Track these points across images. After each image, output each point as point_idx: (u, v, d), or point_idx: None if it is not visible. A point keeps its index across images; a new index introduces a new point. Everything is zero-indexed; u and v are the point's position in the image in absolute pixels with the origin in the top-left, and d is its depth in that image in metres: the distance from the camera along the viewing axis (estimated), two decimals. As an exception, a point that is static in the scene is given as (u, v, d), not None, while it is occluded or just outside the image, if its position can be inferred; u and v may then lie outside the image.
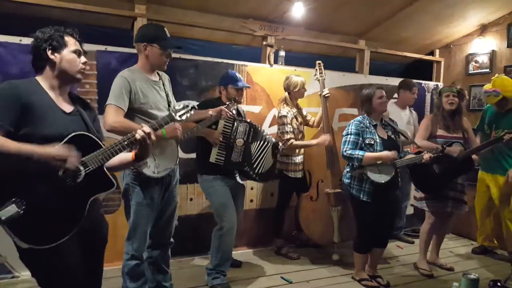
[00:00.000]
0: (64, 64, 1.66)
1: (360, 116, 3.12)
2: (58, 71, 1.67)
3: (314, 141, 3.59)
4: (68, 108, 1.70)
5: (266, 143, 3.15)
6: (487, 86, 3.71)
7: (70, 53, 1.68)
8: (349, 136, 3.00)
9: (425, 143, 3.37)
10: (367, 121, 3.03)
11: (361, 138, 2.98)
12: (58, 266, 1.60)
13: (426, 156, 3.00)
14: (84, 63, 1.73)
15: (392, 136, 3.09)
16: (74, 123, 1.66)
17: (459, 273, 3.35)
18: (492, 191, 3.76)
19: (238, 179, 3.21)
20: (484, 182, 3.85)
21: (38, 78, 1.68)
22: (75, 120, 1.68)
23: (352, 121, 3.09)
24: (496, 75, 3.73)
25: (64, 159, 1.49)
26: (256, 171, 3.09)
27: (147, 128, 1.71)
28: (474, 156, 3.45)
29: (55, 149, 1.49)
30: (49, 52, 1.64)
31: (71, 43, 1.69)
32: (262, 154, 3.12)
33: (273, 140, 3.26)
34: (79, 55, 1.71)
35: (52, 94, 1.66)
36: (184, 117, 1.99)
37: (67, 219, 1.57)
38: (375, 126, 3.03)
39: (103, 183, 1.68)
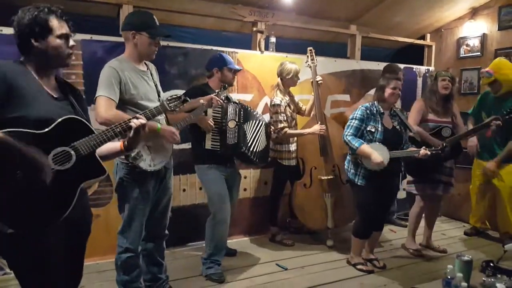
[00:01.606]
0: (50, 51, 1.57)
1: (370, 102, 3.13)
2: (44, 57, 1.58)
3: (307, 130, 3.58)
4: (55, 93, 1.62)
5: (258, 121, 3.14)
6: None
7: (56, 39, 1.57)
8: (353, 121, 3.02)
9: (420, 130, 3.38)
10: (375, 109, 3.03)
11: (364, 125, 2.99)
12: (41, 254, 1.55)
13: (422, 152, 2.98)
14: (72, 47, 1.63)
15: (397, 127, 3.08)
16: (63, 108, 1.59)
17: (453, 255, 3.40)
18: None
19: (235, 167, 3.21)
20: (480, 165, 3.87)
21: (24, 61, 1.59)
22: (64, 106, 1.61)
23: (360, 105, 3.11)
24: (499, 58, 3.72)
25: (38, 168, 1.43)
26: (252, 150, 3.07)
27: (143, 119, 1.67)
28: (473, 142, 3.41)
29: (36, 158, 1.42)
30: (32, 40, 1.54)
31: (57, 26, 1.57)
32: (256, 134, 3.11)
33: (265, 119, 3.27)
34: (66, 39, 1.60)
35: (38, 78, 1.58)
36: (176, 108, 1.95)
37: (56, 205, 1.52)
38: (381, 115, 3.03)
39: (94, 170, 1.63)
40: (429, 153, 2.98)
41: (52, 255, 1.57)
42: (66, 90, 1.68)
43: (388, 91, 3.01)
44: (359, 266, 3.20)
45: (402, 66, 4.52)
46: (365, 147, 2.89)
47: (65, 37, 1.60)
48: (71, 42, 1.63)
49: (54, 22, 1.57)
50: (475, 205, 4.08)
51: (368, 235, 3.21)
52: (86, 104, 1.79)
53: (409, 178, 3.59)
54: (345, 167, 3.17)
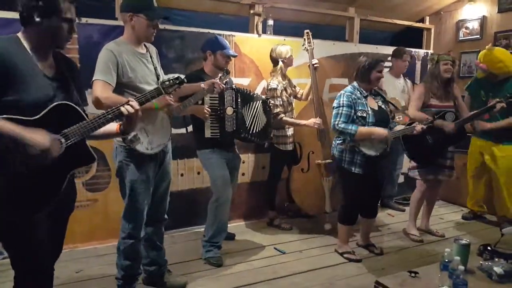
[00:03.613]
0: (51, 31, 1.52)
1: (350, 86, 3.02)
2: (43, 35, 1.53)
3: (302, 122, 3.54)
4: (50, 71, 1.59)
5: (255, 102, 3.10)
6: (480, 57, 3.67)
7: (60, 21, 1.51)
8: (341, 108, 2.88)
9: (418, 114, 3.34)
10: (358, 92, 2.94)
11: (353, 111, 2.87)
12: (28, 237, 1.56)
13: (418, 127, 2.97)
14: (73, 32, 1.59)
15: (383, 106, 3.03)
16: (57, 88, 1.56)
17: (450, 238, 3.43)
18: (485, 157, 3.80)
19: (236, 151, 3.22)
20: (477, 147, 3.87)
21: (20, 36, 1.54)
22: (58, 85, 1.58)
23: (342, 92, 2.97)
24: (487, 47, 3.65)
25: (46, 150, 1.42)
26: (252, 132, 3.05)
27: (135, 104, 1.64)
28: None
29: (41, 139, 1.41)
30: (35, 15, 1.47)
31: (64, 8, 1.51)
32: (254, 115, 3.08)
33: (262, 97, 3.24)
34: (70, 24, 1.55)
35: (34, 55, 1.53)
36: (172, 90, 1.92)
37: (44, 192, 1.53)
38: (366, 97, 2.96)
39: (84, 157, 1.63)
40: (425, 127, 3.00)
41: (39, 230, 1.58)
42: (62, 67, 1.64)
43: (374, 74, 2.91)
44: (346, 255, 3.15)
45: (401, 49, 4.49)
46: (363, 129, 2.83)
47: (69, 21, 1.55)
48: (74, 28, 1.58)
49: (63, 3, 1.51)
50: (472, 188, 4.10)
51: (354, 221, 3.17)
52: (82, 80, 1.76)
53: (412, 163, 3.56)
54: (336, 155, 3.04)
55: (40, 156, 1.42)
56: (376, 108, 2.98)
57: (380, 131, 2.83)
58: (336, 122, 2.86)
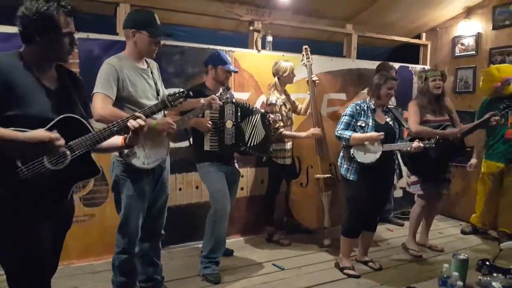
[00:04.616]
0: (52, 47, 1.54)
1: (362, 99, 3.14)
2: (44, 51, 1.54)
3: (303, 134, 3.58)
4: (53, 84, 1.59)
5: (254, 116, 3.11)
6: (488, 85, 3.67)
7: (60, 37, 1.53)
8: (344, 117, 3.06)
9: (420, 129, 3.33)
10: (366, 105, 3.05)
11: (354, 120, 3.01)
12: (30, 250, 1.54)
13: (415, 145, 2.96)
14: (74, 46, 1.60)
15: (390, 122, 3.08)
16: (60, 102, 1.56)
17: (449, 253, 3.41)
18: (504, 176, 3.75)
19: (235, 165, 3.22)
20: (490, 166, 3.81)
21: (22, 51, 1.56)
22: (61, 99, 1.58)
23: (351, 103, 3.13)
24: (497, 66, 3.69)
25: (50, 142, 1.41)
26: (251, 145, 3.06)
27: (142, 121, 1.66)
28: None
29: (41, 132, 1.42)
30: (35, 33, 1.49)
31: (63, 23, 1.52)
32: (253, 129, 3.09)
33: (261, 110, 3.26)
34: (70, 37, 1.56)
35: (36, 70, 1.54)
36: (177, 103, 1.94)
37: (48, 203, 1.52)
38: (373, 111, 3.03)
39: (89, 169, 1.63)
40: (422, 145, 2.96)
41: (41, 244, 1.57)
42: (65, 80, 1.65)
43: (384, 90, 3.01)
44: (346, 271, 3.14)
45: (397, 65, 4.54)
46: (357, 134, 2.94)
47: (69, 35, 1.56)
48: (75, 40, 1.60)
49: (61, 18, 1.52)
50: (482, 208, 3.98)
51: (357, 234, 3.18)
52: (86, 93, 1.77)
53: (412, 178, 3.56)
54: (338, 163, 3.18)
55: (38, 149, 1.41)
56: (383, 123, 3.05)
57: (372, 134, 2.89)
58: (337, 129, 3.04)
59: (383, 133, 2.91)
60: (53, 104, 1.54)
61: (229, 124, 2.94)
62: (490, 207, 3.92)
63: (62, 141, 1.45)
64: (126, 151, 1.82)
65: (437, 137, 3.14)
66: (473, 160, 3.79)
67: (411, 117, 3.47)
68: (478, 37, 4.57)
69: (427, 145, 2.99)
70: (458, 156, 3.48)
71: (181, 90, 1.93)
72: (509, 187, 3.69)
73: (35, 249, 1.55)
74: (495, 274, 2.34)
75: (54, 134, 1.43)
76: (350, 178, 3.03)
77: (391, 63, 4.18)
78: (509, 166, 3.71)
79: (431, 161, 3.28)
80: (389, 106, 3.14)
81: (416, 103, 3.51)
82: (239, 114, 2.99)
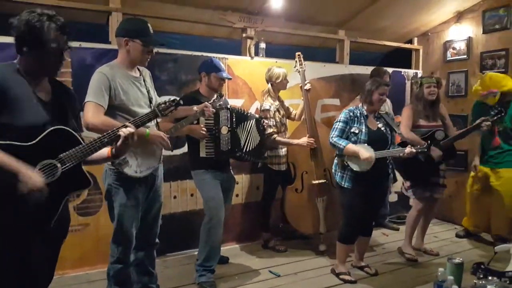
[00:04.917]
0: (39, 60, 1.55)
1: (355, 106, 3.17)
2: (32, 63, 1.55)
3: (295, 141, 3.59)
4: (47, 96, 1.60)
5: (249, 121, 3.12)
6: (477, 89, 3.71)
7: (48, 52, 1.52)
8: (338, 123, 3.05)
9: (411, 136, 3.38)
10: (358, 111, 3.06)
11: (348, 126, 3.02)
12: (23, 271, 1.53)
13: (407, 150, 2.98)
14: (62, 62, 1.60)
15: (382, 128, 3.09)
16: (52, 113, 1.57)
17: (445, 257, 3.41)
18: (491, 179, 3.76)
19: (231, 171, 3.22)
20: (481, 171, 3.83)
21: (17, 62, 1.57)
22: (54, 110, 1.58)
23: (345, 109, 3.14)
24: (487, 75, 3.71)
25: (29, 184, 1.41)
26: (246, 150, 3.05)
27: (132, 128, 1.65)
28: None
29: (24, 172, 1.41)
30: (23, 45, 1.50)
31: (52, 38, 1.51)
32: (248, 134, 3.09)
33: (256, 116, 3.26)
34: (60, 53, 1.56)
35: (30, 80, 1.55)
36: (168, 113, 1.93)
37: (40, 217, 1.51)
38: (366, 117, 3.05)
39: (80, 181, 1.62)
40: (414, 151, 2.99)
41: (33, 258, 1.56)
42: (59, 92, 1.65)
43: (376, 96, 3.03)
44: (342, 276, 3.14)
45: (390, 69, 4.55)
46: (352, 146, 2.93)
47: (58, 51, 1.56)
48: (65, 56, 1.59)
49: (50, 33, 1.52)
50: (470, 211, 4.04)
51: (353, 240, 3.18)
52: (79, 105, 1.77)
53: (407, 183, 3.59)
54: (333, 170, 3.18)
55: (30, 194, 1.41)
56: (375, 128, 3.06)
57: (365, 153, 2.86)
58: (331, 136, 3.03)
59: (374, 158, 2.90)
60: (46, 116, 1.54)
61: (224, 130, 2.94)
62: (479, 210, 3.95)
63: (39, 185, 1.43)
64: (118, 160, 1.81)
65: (429, 142, 3.16)
66: (476, 161, 3.81)
67: (403, 121, 3.51)
68: (469, 41, 4.61)
69: (419, 150, 3.01)
70: (447, 160, 3.50)
71: (172, 98, 1.92)
72: (498, 191, 3.72)
73: (27, 269, 1.54)
74: (490, 278, 2.34)
75: (33, 180, 1.42)
76: (345, 186, 3.03)
77: (385, 68, 4.20)
78: (495, 170, 3.74)
79: (420, 165, 3.30)
80: (380, 112, 3.16)
81: (411, 107, 3.58)
82: (234, 119, 2.99)
